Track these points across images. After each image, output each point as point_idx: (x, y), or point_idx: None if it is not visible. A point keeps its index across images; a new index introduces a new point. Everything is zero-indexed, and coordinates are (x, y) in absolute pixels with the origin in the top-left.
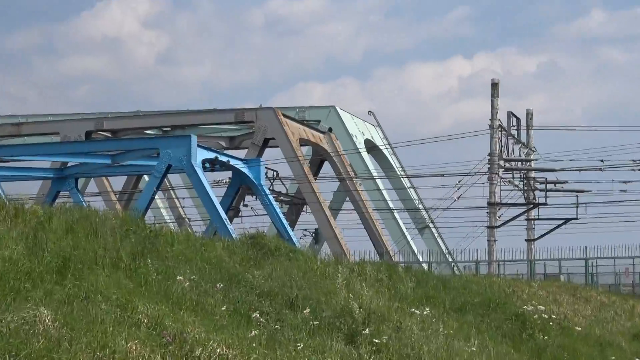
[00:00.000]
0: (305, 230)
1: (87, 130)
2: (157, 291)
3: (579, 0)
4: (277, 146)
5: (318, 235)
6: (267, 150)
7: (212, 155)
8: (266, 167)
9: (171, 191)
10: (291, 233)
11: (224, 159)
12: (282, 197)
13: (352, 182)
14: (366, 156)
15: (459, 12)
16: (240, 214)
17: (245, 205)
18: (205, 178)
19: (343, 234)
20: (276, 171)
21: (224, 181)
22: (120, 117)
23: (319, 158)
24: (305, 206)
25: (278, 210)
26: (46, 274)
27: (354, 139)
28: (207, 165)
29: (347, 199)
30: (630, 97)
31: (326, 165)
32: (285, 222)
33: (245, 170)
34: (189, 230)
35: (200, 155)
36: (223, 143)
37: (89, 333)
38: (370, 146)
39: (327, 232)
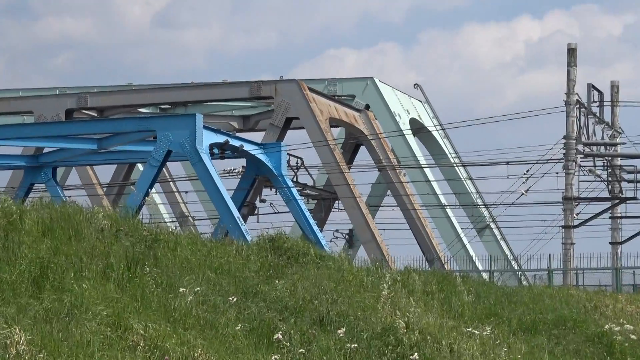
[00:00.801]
0: (337, 231)
1: (67, 108)
2: (156, 307)
3: None
4: (302, 127)
5: (352, 238)
6: (290, 133)
7: (221, 138)
8: (288, 154)
9: (171, 183)
10: (319, 235)
11: (236, 143)
12: (307, 191)
13: (394, 172)
14: (412, 139)
15: None
16: (256, 212)
17: (263, 201)
18: (213, 167)
19: (383, 235)
20: (300, 158)
21: (237, 171)
22: (108, 93)
23: (353, 142)
24: (336, 201)
25: (303, 206)
26: (20, 285)
27: (397, 118)
28: (216, 151)
29: (388, 192)
30: None
31: (362, 151)
32: (311, 221)
33: (262, 157)
34: (194, 231)
35: (207, 138)
36: (235, 124)
37: (73, 358)
38: (417, 127)
39: (363, 233)
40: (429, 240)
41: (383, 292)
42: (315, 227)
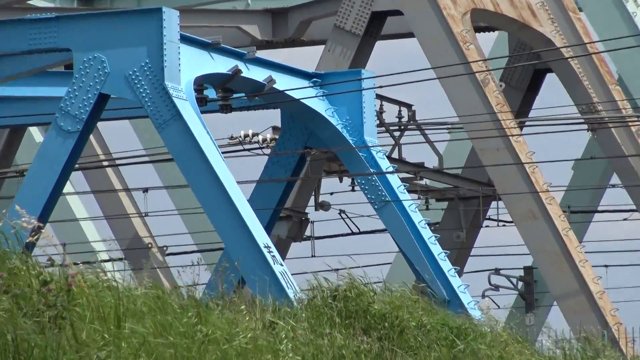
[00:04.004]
0: (497, 270)
1: None
2: None
3: None
4: (405, 35)
5: (532, 287)
6: (381, 49)
7: (224, 65)
8: (382, 98)
9: (110, 174)
10: (456, 281)
11: (257, 74)
12: (427, 181)
13: (631, 134)
14: None
15: None
16: (308, 229)
17: (322, 206)
18: (206, 131)
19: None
20: (410, 106)
21: (261, 140)
22: None
23: (530, 67)
24: (493, 203)
25: (417, 216)
26: None
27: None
28: (212, 94)
29: (615, 181)
30: None
31: (550, 88)
32: (438, 249)
33: (320, 105)
34: (165, 283)
35: (192, 66)
36: (253, 30)
37: None
38: None
39: (558, 276)
40: None
41: None
42: (446, 263)
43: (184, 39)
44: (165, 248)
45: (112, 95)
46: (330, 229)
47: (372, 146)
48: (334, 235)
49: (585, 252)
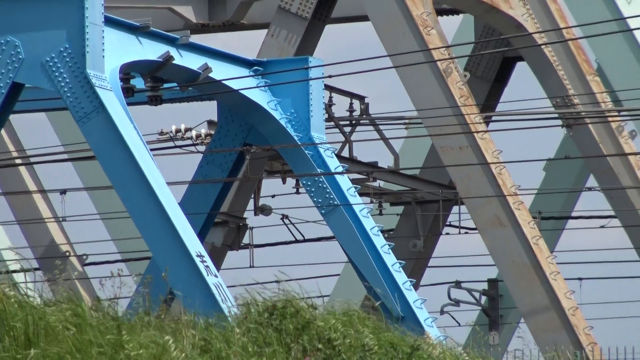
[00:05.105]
0: (458, 283)
1: None
2: None
3: None
4: (362, 17)
5: (496, 302)
6: (331, 33)
7: (154, 51)
8: (331, 88)
9: (23, 173)
10: (412, 295)
11: (192, 62)
12: (380, 182)
13: (609, 130)
14: None
15: None
16: (246, 236)
17: (263, 210)
18: (133, 125)
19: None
20: (362, 98)
21: (194, 136)
22: None
23: (498, 55)
24: (453, 208)
25: (369, 222)
26: None
27: None
28: (140, 83)
29: (592, 184)
30: None
31: (520, 78)
32: (391, 259)
33: (261, 97)
34: (85, 297)
35: (117, 52)
36: (187, 12)
37: None
38: None
39: (525, 290)
40: None
41: None
42: (401, 275)
43: (109, 22)
44: (84, 257)
45: (26, 85)
46: (271, 235)
47: (320, 143)
48: (275, 243)
49: (557, 264)
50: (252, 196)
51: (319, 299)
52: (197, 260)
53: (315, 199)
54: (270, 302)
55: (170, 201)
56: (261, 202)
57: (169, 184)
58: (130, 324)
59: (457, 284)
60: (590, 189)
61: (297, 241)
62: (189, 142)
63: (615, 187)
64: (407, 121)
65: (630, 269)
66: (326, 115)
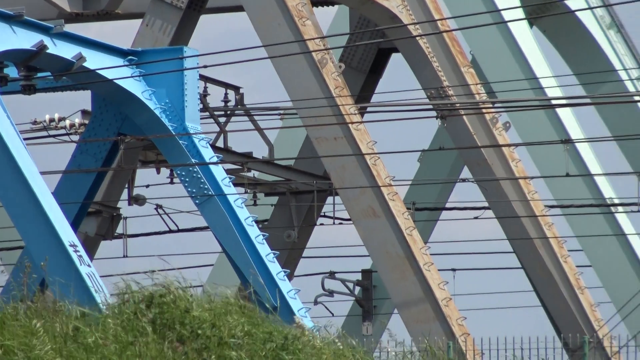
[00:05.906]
0: (332, 273)
1: None
2: None
3: None
4: (237, 7)
5: (370, 292)
6: (206, 24)
7: (28, 39)
8: (205, 78)
9: None
10: (285, 285)
11: (66, 51)
12: (254, 172)
13: (483, 121)
14: (527, 36)
15: None
16: (120, 226)
17: (137, 200)
18: (6, 115)
19: (453, 285)
20: (237, 89)
21: (68, 125)
22: None
23: (373, 46)
24: (328, 199)
25: (244, 212)
26: None
27: None
28: (13, 72)
29: (465, 175)
30: None
31: (395, 69)
32: (265, 250)
33: (135, 86)
34: None
35: None
36: (61, 2)
37: None
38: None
39: (399, 282)
40: (574, 294)
41: None
42: (275, 266)
43: None
44: None
45: None
46: (145, 226)
47: (195, 133)
48: (149, 233)
49: (431, 254)
50: (126, 186)
51: (196, 289)
52: (70, 249)
53: (189, 189)
54: (148, 292)
55: (43, 190)
56: (135, 192)
57: (42, 173)
58: (2, 313)
59: (331, 275)
60: (464, 180)
61: (171, 231)
62: (62, 131)
63: (489, 179)
64: (282, 112)
65: (503, 260)
66: (201, 106)
